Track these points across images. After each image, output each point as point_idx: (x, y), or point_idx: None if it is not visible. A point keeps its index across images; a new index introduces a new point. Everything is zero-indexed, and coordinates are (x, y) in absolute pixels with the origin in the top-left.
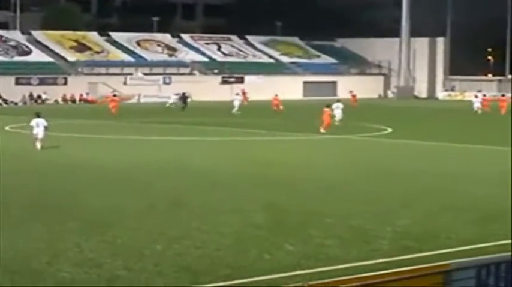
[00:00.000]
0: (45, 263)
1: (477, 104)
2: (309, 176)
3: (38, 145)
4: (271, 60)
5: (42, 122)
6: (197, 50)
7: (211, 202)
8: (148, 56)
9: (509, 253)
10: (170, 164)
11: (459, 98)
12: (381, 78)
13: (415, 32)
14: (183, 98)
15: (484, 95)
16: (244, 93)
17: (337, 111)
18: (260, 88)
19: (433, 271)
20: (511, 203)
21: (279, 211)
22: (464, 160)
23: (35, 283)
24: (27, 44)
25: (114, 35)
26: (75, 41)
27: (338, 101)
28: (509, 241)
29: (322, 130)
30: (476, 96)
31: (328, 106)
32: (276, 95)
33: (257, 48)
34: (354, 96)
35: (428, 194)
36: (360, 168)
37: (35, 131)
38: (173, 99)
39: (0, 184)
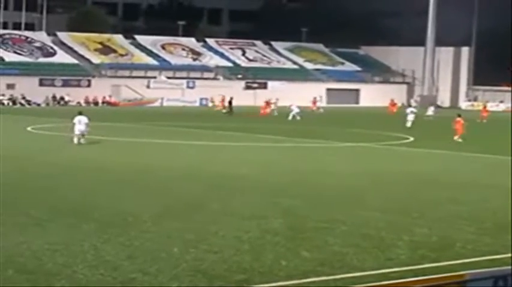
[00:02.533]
0: (61, 265)
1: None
2: (327, 183)
3: (82, 140)
4: (295, 67)
5: (84, 119)
6: (221, 55)
7: (229, 207)
8: (173, 60)
9: None
10: (190, 168)
11: (481, 108)
12: (404, 86)
13: (439, 41)
14: (229, 103)
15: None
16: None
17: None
18: (283, 94)
19: (448, 281)
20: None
21: (297, 217)
22: (481, 169)
23: (50, 284)
24: (52, 45)
25: (139, 38)
26: (100, 43)
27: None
28: None
29: (456, 139)
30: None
31: (460, 115)
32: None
33: (281, 54)
34: (394, 105)
35: (446, 203)
36: (378, 176)
37: (77, 128)
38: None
39: (17, 184)
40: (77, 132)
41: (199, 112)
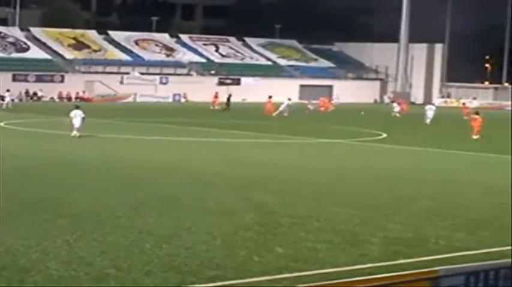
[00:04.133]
0: (34, 260)
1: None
2: (300, 179)
3: (77, 133)
4: (269, 63)
5: (79, 113)
6: (195, 51)
7: (201, 203)
8: (146, 56)
9: (498, 261)
10: (163, 163)
11: (455, 104)
12: (378, 83)
13: (413, 38)
14: (227, 99)
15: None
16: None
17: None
18: (256, 90)
19: (421, 277)
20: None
21: (270, 213)
22: (456, 166)
23: (23, 280)
24: (25, 40)
25: (113, 34)
26: (74, 38)
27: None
28: (498, 249)
29: (474, 137)
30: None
31: (478, 113)
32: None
33: (255, 50)
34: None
35: (420, 200)
36: (351, 172)
37: (73, 121)
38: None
39: None
40: (76, 125)
41: (173, 108)
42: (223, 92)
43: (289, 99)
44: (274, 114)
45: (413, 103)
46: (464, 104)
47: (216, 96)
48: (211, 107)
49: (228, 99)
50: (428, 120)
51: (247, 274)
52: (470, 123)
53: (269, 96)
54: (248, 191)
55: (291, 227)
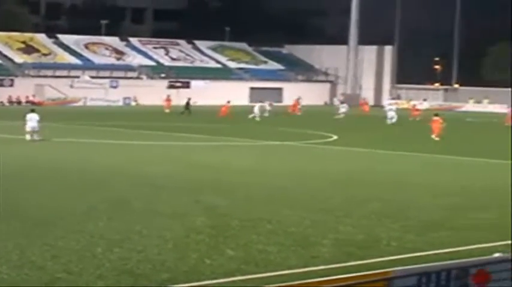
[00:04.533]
0: None
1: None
2: (251, 182)
3: (35, 136)
4: (219, 66)
5: (35, 116)
6: (145, 54)
7: (153, 206)
8: (96, 59)
9: (449, 262)
10: (114, 167)
11: (405, 106)
12: (328, 85)
13: (363, 40)
14: (187, 103)
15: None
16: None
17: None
18: (206, 93)
19: (374, 278)
20: None
21: (221, 216)
22: (407, 168)
23: None
24: None
25: (62, 38)
26: (23, 42)
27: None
28: (449, 250)
29: (435, 138)
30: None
31: (437, 115)
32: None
33: (204, 53)
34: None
35: (371, 202)
36: (302, 175)
37: (28, 125)
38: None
39: None
40: (28, 129)
41: (123, 111)
42: (174, 95)
43: (261, 101)
44: (250, 116)
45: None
46: (414, 105)
47: (168, 100)
48: (166, 111)
49: (188, 102)
50: (389, 121)
51: (198, 277)
52: (431, 124)
53: (227, 101)
54: (199, 194)
55: (242, 229)
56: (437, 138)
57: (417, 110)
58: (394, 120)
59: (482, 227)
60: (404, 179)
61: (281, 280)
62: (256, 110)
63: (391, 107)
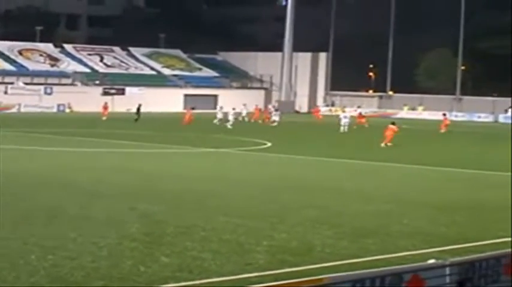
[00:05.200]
0: None
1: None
2: (186, 188)
3: None
4: (153, 72)
5: None
6: (79, 61)
7: (87, 213)
8: (30, 66)
9: (383, 268)
10: (49, 174)
11: (339, 113)
12: (262, 92)
13: (297, 47)
14: (137, 109)
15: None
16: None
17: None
18: (141, 100)
19: (308, 285)
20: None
21: (156, 223)
22: (341, 175)
23: None
24: None
25: None
26: None
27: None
28: (384, 256)
29: (384, 145)
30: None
31: (394, 123)
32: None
33: (139, 60)
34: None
35: (305, 209)
36: (237, 181)
37: None
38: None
39: None
40: None
41: (58, 118)
42: (109, 103)
43: (234, 109)
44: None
45: (297, 112)
46: (360, 113)
47: (105, 107)
48: (103, 118)
49: (138, 109)
50: (342, 129)
51: (132, 284)
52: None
53: (191, 107)
54: (134, 201)
55: (177, 236)
56: (388, 145)
57: (363, 117)
58: (345, 128)
59: (415, 234)
60: (338, 186)
61: (215, 286)
62: (231, 117)
63: (345, 115)
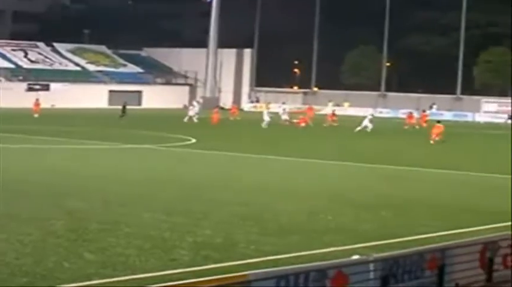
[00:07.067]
0: None
1: (285, 116)
2: (110, 185)
3: None
4: (78, 68)
5: None
6: (3, 57)
7: (11, 210)
8: None
9: (308, 264)
10: None
11: (264, 109)
12: (187, 88)
13: (222, 43)
14: (123, 107)
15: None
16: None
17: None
18: (66, 96)
19: (232, 281)
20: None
21: (80, 220)
22: (267, 171)
23: None
24: None
25: None
26: None
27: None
28: (308, 253)
29: (433, 141)
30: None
31: (439, 121)
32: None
33: (64, 55)
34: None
35: (229, 205)
36: (160, 178)
37: None
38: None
39: None
40: None
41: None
42: (33, 98)
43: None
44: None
45: (222, 108)
46: (334, 111)
47: (37, 104)
48: (35, 115)
49: (124, 106)
50: (264, 124)
51: (56, 281)
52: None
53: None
54: (58, 198)
55: (101, 233)
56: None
57: (334, 115)
58: (265, 124)
59: (340, 230)
60: (263, 183)
61: (140, 283)
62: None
63: (268, 112)
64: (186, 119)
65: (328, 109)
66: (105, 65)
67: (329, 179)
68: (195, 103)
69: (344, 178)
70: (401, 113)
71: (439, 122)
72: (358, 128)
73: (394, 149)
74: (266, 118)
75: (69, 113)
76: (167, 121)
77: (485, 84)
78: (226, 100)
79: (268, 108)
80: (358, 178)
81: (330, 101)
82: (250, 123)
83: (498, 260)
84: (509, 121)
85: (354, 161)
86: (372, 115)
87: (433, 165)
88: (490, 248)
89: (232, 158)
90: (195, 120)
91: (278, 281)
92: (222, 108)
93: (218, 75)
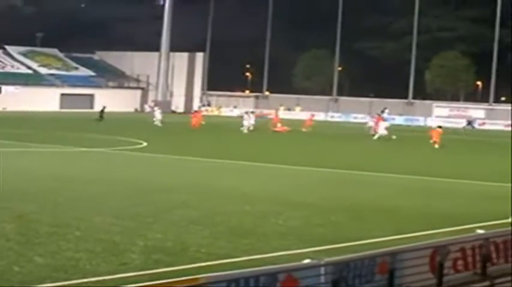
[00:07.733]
0: None
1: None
2: (59, 188)
3: None
4: (29, 71)
5: None
6: None
7: None
8: None
9: (258, 268)
10: None
11: (215, 113)
12: (139, 92)
13: (174, 47)
14: (101, 111)
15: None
16: None
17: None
18: (17, 99)
19: (183, 284)
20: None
21: (30, 222)
22: (212, 174)
23: None
24: None
25: None
26: None
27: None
28: (259, 256)
29: (435, 146)
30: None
31: (440, 127)
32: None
33: (15, 58)
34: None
35: (179, 208)
36: (110, 181)
37: None
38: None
39: None
40: None
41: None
42: None
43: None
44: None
45: (174, 112)
46: (312, 115)
47: None
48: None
49: (102, 110)
50: (243, 129)
51: (6, 284)
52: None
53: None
54: (7, 200)
55: (51, 236)
56: (436, 146)
57: (311, 121)
58: (243, 129)
59: (291, 234)
60: (213, 186)
61: (91, 286)
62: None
63: (249, 116)
64: (159, 123)
65: (279, 113)
66: (57, 68)
67: (278, 182)
68: (147, 107)
69: (292, 181)
70: (353, 118)
71: (440, 127)
72: (376, 136)
73: (349, 152)
74: (246, 123)
75: (20, 116)
76: (119, 125)
77: (437, 89)
78: (178, 104)
79: (219, 110)
80: (307, 181)
81: (281, 105)
82: (202, 127)
83: (449, 264)
84: (469, 127)
85: (304, 165)
86: (389, 123)
87: (388, 169)
88: (440, 253)
89: (182, 162)
90: (159, 124)
91: (229, 285)
92: (174, 112)
93: (170, 78)
